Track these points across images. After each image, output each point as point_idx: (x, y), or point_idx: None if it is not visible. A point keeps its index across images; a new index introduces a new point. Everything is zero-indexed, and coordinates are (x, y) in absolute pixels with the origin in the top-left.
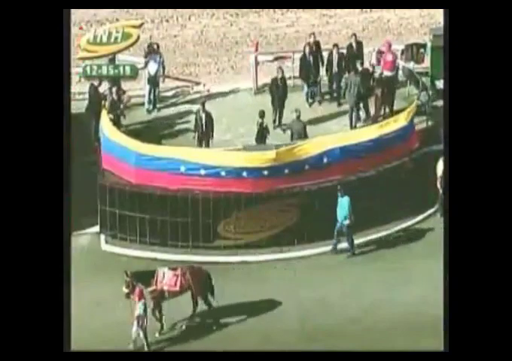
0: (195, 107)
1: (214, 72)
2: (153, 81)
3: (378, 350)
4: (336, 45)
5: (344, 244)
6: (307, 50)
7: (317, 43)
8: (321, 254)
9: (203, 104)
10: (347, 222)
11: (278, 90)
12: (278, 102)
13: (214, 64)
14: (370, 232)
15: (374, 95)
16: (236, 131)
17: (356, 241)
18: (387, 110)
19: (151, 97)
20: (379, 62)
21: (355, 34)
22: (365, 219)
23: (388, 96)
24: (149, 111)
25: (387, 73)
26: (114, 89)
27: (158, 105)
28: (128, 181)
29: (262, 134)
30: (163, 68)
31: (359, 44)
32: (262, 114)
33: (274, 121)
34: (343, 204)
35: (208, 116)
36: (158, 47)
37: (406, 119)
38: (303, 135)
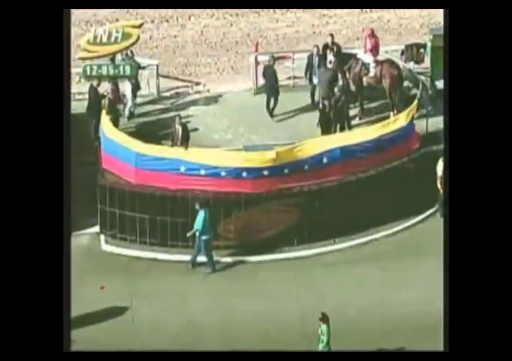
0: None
1: (214, 72)
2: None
3: (378, 350)
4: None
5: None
6: (315, 51)
7: (337, 45)
8: (321, 254)
9: (179, 117)
10: (203, 237)
11: (271, 77)
12: (272, 90)
13: (214, 64)
14: (369, 232)
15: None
16: (236, 132)
17: (356, 241)
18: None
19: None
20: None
21: (339, 46)
22: (365, 219)
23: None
24: (128, 118)
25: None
26: (109, 89)
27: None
28: (128, 181)
29: (327, 120)
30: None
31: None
32: (326, 95)
33: (268, 107)
34: (199, 217)
35: (185, 128)
36: (133, 54)
37: (406, 119)
38: (346, 123)
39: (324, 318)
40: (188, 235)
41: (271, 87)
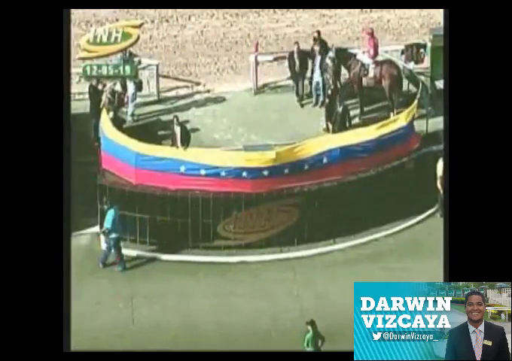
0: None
1: (214, 72)
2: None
3: None
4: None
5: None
6: (295, 48)
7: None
8: (321, 254)
9: (177, 118)
10: (113, 235)
11: (296, 64)
12: (298, 76)
13: (214, 64)
14: (369, 232)
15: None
16: (236, 132)
17: (356, 241)
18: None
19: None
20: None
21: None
22: (365, 219)
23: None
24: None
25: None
26: (110, 89)
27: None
28: (128, 181)
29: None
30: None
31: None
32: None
33: (298, 93)
34: (109, 215)
35: (183, 129)
36: (136, 55)
37: (406, 119)
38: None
39: (311, 326)
40: (100, 232)
41: (294, 74)
